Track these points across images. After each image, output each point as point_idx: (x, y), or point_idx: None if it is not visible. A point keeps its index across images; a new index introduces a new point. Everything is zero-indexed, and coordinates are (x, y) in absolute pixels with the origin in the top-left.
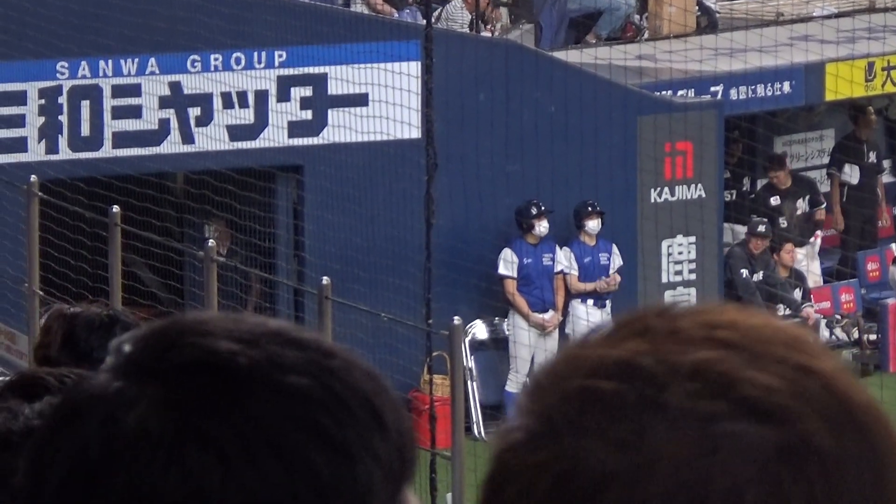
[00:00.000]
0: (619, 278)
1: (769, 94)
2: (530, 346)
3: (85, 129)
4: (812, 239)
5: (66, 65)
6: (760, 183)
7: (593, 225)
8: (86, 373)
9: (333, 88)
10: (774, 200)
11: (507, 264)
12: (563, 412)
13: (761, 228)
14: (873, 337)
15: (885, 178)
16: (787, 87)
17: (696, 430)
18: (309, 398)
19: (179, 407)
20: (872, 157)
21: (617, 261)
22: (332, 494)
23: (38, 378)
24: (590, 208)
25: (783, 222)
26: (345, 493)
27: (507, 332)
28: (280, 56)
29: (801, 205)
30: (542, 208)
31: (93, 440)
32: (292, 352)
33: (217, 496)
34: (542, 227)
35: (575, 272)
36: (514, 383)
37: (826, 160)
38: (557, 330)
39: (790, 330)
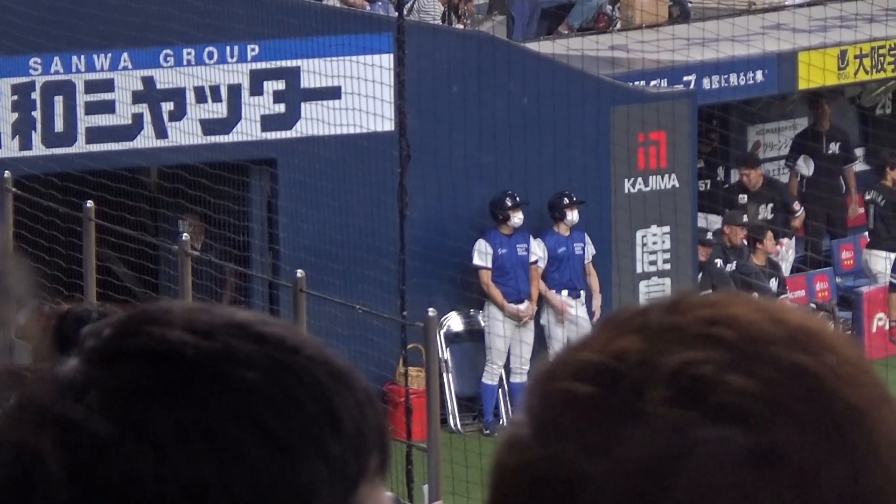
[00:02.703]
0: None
1: (742, 83)
2: (506, 337)
3: (58, 125)
4: (779, 246)
5: (39, 61)
6: (734, 173)
7: (572, 216)
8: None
9: (306, 82)
10: (742, 199)
11: (482, 255)
12: (546, 414)
13: (745, 218)
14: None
15: (859, 167)
16: (759, 76)
17: (670, 436)
18: (254, 392)
19: (122, 395)
20: (834, 147)
21: (590, 250)
22: (269, 489)
23: (15, 373)
24: (567, 200)
25: (744, 217)
26: (282, 489)
27: (482, 324)
28: (252, 50)
29: (764, 211)
30: (518, 199)
31: (43, 424)
32: (249, 345)
33: (151, 484)
34: (516, 217)
35: (542, 263)
36: (490, 375)
37: None
38: (533, 321)
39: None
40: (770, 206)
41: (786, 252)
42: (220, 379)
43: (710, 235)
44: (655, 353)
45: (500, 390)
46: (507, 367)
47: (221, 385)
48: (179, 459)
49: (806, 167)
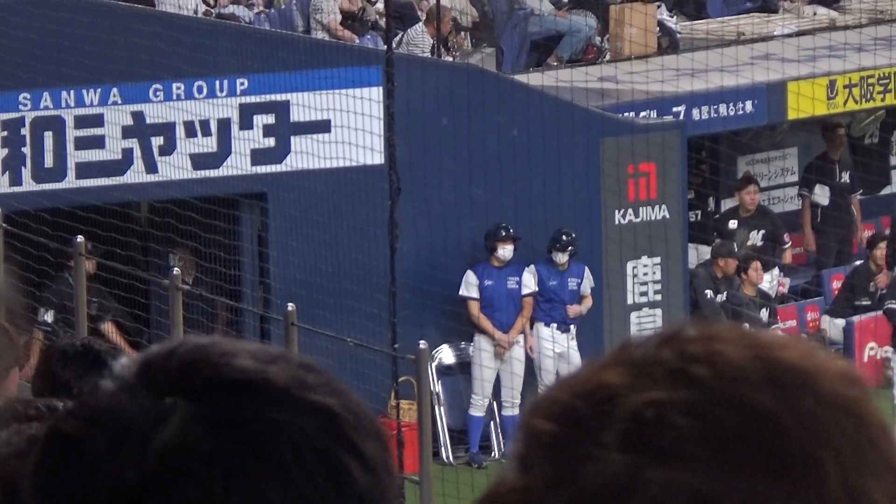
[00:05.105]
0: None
1: (732, 113)
2: (493, 368)
3: (48, 160)
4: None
5: (28, 96)
6: (725, 203)
7: (559, 257)
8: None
9: (296, 115)
10: (733, 224)
11: (469, 286)
12: (522, 448)
13: (731, 248)
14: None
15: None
16: (749, 106)
17: (619, 475)
18: (338, 415)
19: (223, 423)
20: (845, 176)
21: (588, 284)
22: None
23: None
24: (559, 241)
25: (735, 247)
26: None
27: (471, 356)
28: (242, 84)
29: (755, 236)
30: (511, 231)
31: (128, 459)
32: (308, 373)
33: None
34: (504, 250)
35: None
36: (476, 406)
37: (789, 179)
38: (524, 353)
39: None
40: (761, 233)
41: (772, 282)
42: (308, 404)
43: (699, 266)
44: (627, 390)
45: (491, 423)
46: (498, 399)
47: (312, 409)
48: (302, 482)
49: (822, 196)
